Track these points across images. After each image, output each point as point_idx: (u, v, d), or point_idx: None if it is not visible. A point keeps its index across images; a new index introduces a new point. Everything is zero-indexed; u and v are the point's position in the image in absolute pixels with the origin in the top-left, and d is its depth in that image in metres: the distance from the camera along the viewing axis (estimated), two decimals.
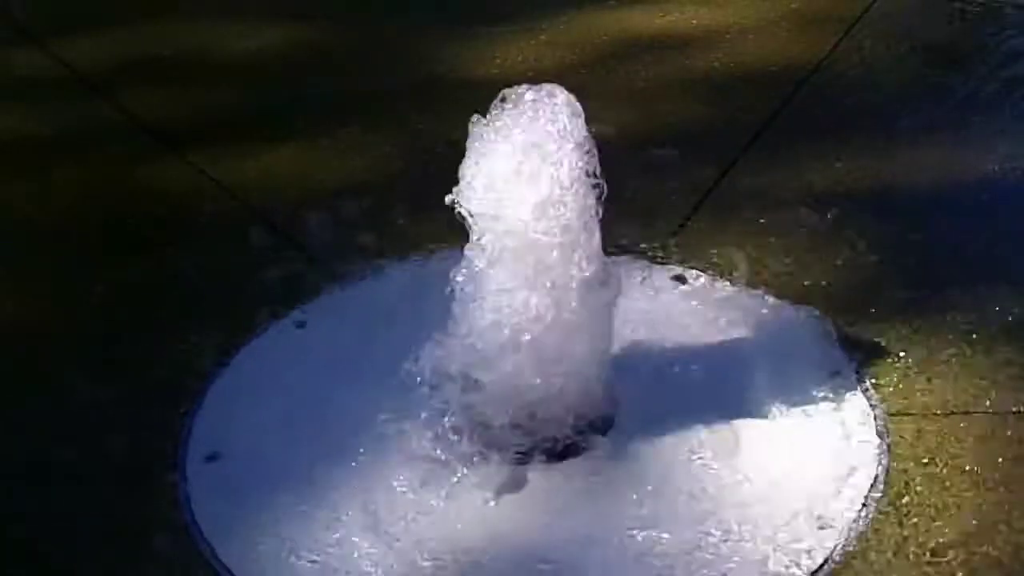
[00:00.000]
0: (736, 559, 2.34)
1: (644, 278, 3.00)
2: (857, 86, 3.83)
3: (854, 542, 2.36)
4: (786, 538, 2.37)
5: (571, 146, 2.35)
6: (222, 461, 2.59)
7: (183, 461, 2.59)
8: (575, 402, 2.52)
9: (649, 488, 2.48)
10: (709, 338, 2.84)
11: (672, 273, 3.05)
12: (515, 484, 2.49)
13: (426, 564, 2.36)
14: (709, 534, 2.38)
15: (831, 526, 2.39)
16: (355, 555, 2.37)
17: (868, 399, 2.67)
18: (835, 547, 2.35)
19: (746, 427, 2.59)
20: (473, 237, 2.42)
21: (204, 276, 3.11)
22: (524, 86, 2.40)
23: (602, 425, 2.57)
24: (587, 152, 2.37)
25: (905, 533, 2.38)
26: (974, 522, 2.39)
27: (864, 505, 2.43)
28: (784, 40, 4.08)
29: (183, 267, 3.15)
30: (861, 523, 2.40)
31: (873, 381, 2.71)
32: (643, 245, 3.10)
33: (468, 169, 2.38)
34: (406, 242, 3.14)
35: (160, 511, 2.48)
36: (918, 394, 2.69)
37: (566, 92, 2.38)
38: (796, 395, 2.65)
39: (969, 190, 3.34)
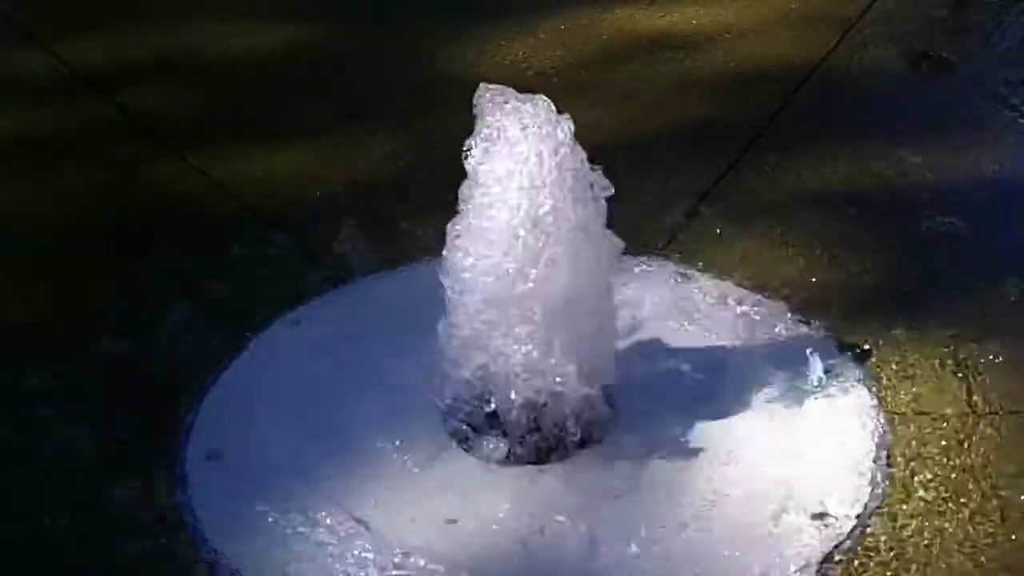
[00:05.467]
0: (736, 558, 2.34)
1: (643, 278, 3.00)
2: (857, 86, 3.83)
3: (854, 542, 2.36)
4: (785, 537, 2.37)
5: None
6: (222, 460, 2.59)
7: (183, 460, 2.59)
8: (575, 402, 2.52)
9: (646, 487, 2.48)
10: (709, 338, 2.84)
11: (672, 273, 3.05)
12: (517, 484, 2.49)
13: (427, 565, 2.36)
14: (708, 533, 2.39)
15: (830, 526, 2.39)
16: (355, 554, 2.37)
17: (868, 399, 2.67)
18: (834, 547, 2.35)
19: (745, 426, 2.59)
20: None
21: (204, 276, 3.10)
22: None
23: (598, 426, 2.57)
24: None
25: (905, 533, 2.38)
26: (974, 523, 2.39)
27: (864, 505, 2.43)
28: (784, 40, 4.08)
29: (183, 267, 3.15)
30: (860, 523, 2.40)
31: (873, 381, 2.71)
32: (643, 245, 3.10)
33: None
34: (406, 242, 3.14)
35: (160, 510, 2.48)
36: (918, 394, 2.69)
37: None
38: (795, 395, 2.66)
39: (969, 190, 3.34)
